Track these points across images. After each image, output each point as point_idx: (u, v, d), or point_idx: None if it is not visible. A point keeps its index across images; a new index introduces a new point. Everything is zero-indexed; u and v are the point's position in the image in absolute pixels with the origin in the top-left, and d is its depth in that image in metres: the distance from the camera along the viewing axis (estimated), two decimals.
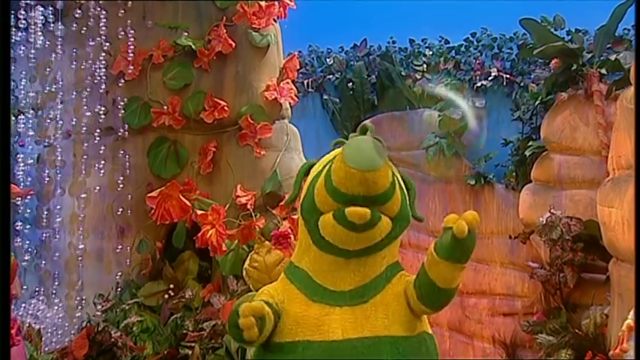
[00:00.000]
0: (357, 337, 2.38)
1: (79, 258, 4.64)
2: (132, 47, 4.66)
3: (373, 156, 2.31)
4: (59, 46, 4.58)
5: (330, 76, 5.76)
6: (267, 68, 4.92)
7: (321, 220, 2.40)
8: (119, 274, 4.69)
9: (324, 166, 2.43)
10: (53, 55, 4.59)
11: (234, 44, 4.72)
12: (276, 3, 4.90)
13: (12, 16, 4.15)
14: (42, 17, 4.39)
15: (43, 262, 4.69)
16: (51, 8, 4.50)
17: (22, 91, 4.51)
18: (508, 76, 5.35)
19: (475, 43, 5.52)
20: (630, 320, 2.93)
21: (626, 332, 2.92)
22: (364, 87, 5.57)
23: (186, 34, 4.76)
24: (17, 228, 4.07)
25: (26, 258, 4.29)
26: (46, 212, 4.67)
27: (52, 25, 4.50)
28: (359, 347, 2.37)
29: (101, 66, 4.64)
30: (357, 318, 2.42)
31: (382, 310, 2.44)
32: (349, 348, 2.38)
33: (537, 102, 4.98)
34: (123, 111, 4.70)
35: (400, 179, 2.49)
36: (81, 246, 4.65)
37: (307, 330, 2.43)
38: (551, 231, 4.35)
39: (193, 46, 4.71)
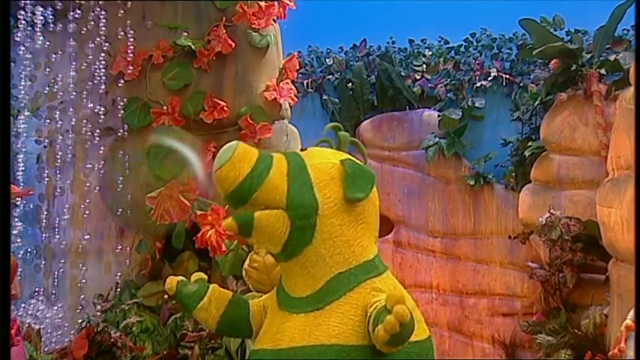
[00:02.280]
0: (302, 345, 2.34)
1: (79, 258, 4.64)
2: (131, 47, 4.66)
3: (220, 156, 2.38)
4: (59, 47, 4.58)
5: (330, 77, 5.76)
6: (267, 68, 4.92)
7: None
8: (119, 274, 4.69)
9: None
10: (53, 56, 4.59)
11: (233, 44, 4.72)
12: (276, 3, 4.90)
13: (12, 16, 4.15)
14: (42, 17, 4.39)
15: (43, 262, 4.69)
16: (51, 8, 4.50)
17: (22, 91, 4.51)
18: (507, 76, 5.36)
19: (474, 43, 5.53)
20: (629, 320, 2.93)
21: (624, 332, 2.92)
22: (364, 87, 5.57)
23: (185, 34, 4.76)
24: (17, 228, 4.06)
25: (26, 258, 4.28)
26: (45, 212, 4.67)
27: (51, 25, 4.50)
28: (301, 355, 2.34)
29: (101, 66, 4.63)
30: (307, 326, 2.38)
31: (336, 317, 2.36)
32: (293, 356, 2.36)
33: (537, 102, 4.98)
34: (122, 111, 4.69)
35: (303, 166, 2.47)
36: (80, 246, 4.65)
37: (267, 338, 2.47)
38: (551, 231, 4.35)
39: (193, 47, 4.70)
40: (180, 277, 2.76)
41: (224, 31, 4.71)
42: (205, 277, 2.77)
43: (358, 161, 2.59)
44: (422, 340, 2.46)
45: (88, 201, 4.68)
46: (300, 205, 2.39)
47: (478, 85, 5.41)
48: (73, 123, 4.76)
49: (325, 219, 2.41)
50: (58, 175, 4.67)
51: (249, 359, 2.58)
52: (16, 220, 4.08)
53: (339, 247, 2.43)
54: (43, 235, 4.64)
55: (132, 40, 4.66)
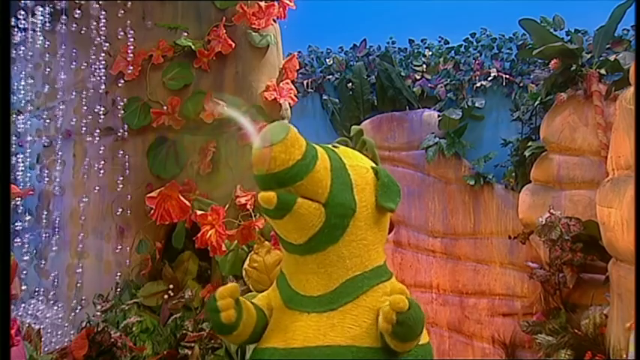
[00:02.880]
0: (317, 345, 2.34)
1: (79, 258, 4.65)
2: (131, 48, 4.67)
3: (270, 133, 2.26)
4: (59, 47, 4.59)
5: (330, 77, 5.76)
6: (267, 69, 4.92)
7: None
8: (119, 274, 4.69)
9: None
10: (53, 56, 4.60)
11: (233, 45, 4.73)
12: (276, 3, 4.90)
13: (12, 16, 4.15)
14: (42, 18, 4.40)
15: (43, 262, 4.70)
16: (51, 9, 4.50)
17: (22, 91, 4.51)
18: (507, 76, 5.36)
19: (474, 43, 5.53)
20: None
21: None
22: (364, 87, 5.57)
23: (185, 34, 4.77)
24: (17, 228, 4.07)
25: (26, 258, 4.28)
26: (45, 212, 4.67)
27: (51, 25, 4.50)
28: (317, 355, 2.33)
29: (101, 66, 4.64)
30: (321, 326, 2.38)
31: (350, 319, 2.38)
32: (307, 356, 2.35)
33: (537, 102, 4.98)
34: (122, 111, 4.70)
35: (346, 167, 2.44)
36: (80, 246, 4.65)
37: (277, 337, 2.44)
38: (551, 231, 4.35)
39: (193, 47, 4.71)
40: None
41: (224, 31, 4.72)
42: (238, 292, 2.49)
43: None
44: (426, 344, 2.51)
45: (87, 201, 4.68)
46: (341, 205, 2.39)
47: (478, 85, 5.41)
48: (73, 123, 4.77)
49: (357, 222, 2.43)
50: (58, 176, 4.68)
51: (256, 358, 2.50)
52: (16, 220, 4.07)
53: (360, 249, 2.46)
54: (43, 235, 4.64)
55: (132, 40, 4.67)
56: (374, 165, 2.59)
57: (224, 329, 2.43)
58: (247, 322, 2.45)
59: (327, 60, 5.79)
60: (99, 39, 4.61)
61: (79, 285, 4.60)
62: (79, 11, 4.57)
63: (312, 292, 2.45)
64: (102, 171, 4.67)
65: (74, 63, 4.73)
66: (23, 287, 4.28)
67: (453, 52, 5.58)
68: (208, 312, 2.41)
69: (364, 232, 2.45)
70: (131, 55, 4.67)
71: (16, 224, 4.09)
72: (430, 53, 5.61)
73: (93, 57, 4.65)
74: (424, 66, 5.59)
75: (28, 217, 4.25)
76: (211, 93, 4.71)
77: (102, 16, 4.60)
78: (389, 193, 2.49)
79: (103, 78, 4.66)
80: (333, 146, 2.61)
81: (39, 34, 4.40)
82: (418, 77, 5.56)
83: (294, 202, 2.29)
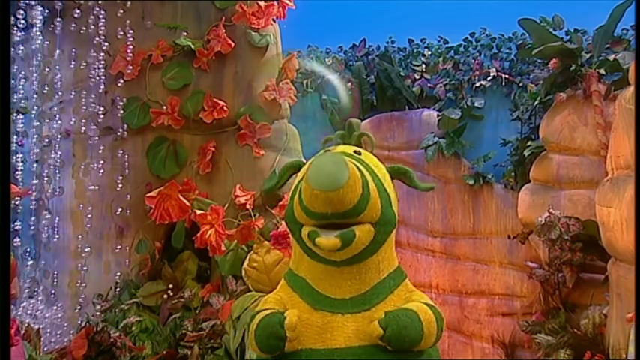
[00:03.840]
0: (360, 344, 2.39)
1: (78, 258, 4.65)
2: (131, 47, 4.67)
3: (335, 175, 2.24)
4: (58, 46, 4.59)
5: (330, 72, 5.76)
6: (266, 68, 4.92)
7: (303, 233, 2.41)
8: (118, 274, 4.70)
9: (303, 177, 2.40)
10: (52, 55, 4.60)
11: (233, 44, 4.73)
12: (275, 3, 4.90)
13: (12, 16, 4.15)
14: (41, 17, 4.40)
15: (42, 261, 4.70)
16: (50, 8, 4.50)
17: (22, 91, 4.51)
18: (507, 76, 5.35)
19: (474, 43, 5.53)
20: None
21: None
22: (363, 87, 5.57)
23: (185, 34, 4.77)
24: (16, 228, 4.07)
25: (25, 258, 4.29)
26: (45, 212, 4.67)
27: (51, 25, 4.50)
28: (361, 355, 2.38)
29: (100, 66, 4.65)
30: (359, 326, 2.42)
31: None
32: (351, 355, 2.39)
33: (536, 102, 4.98)
34: (122, 111, 4.71)
35: (381, 179, 2.49)
36: (80, 246, 4.65)
37: (310, 338, 2.44)
38: (550, 231, 4.35)
39: (192, 47, 4.71)
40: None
41: (223, 30, 4.72)
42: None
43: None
44: (437, 347, 2.58)
45: (87, 201, 4.69)
46: (388, 222, 2.46)
47: (477, 84, 5.40)
48: (72, 123, 4.77)
49: (394, 233, 2.54)
50: (58, 175, 4.68)
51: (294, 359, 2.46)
52: (15, 219, 4.07)
53: (389, 253, 2.56)
54: (42, 235, 4.64)
55: (131, 40, 4.67)
56: (387, 167, 2.67)
57: (270, 354, 2.43)
58: None
59: (327, 60, 5.79)
60: (98, 39, 4.62)
61: (78, 285, 4.60)
62: (78, 11, 4.58)
63: (344, 295, 2.48)
64: (101, 171, 4.67)
65: (74, 63, 4.74)
66: (23, 287, 4.29)
67: (452, 51, 5.58)
68: (271, 338, 2.37)
69: (392, 237, 2.55)
70: (130, 54, 4.67)
71: (16, 224, 4.09)
72: (429, 53, 5.61)
73: (92, 57, 4.65)
74: (423, 66, 5.59)
75: (27, 217, 4.25)
76: (210, 93, 4.72)
77: (101, 16, 4.60)
78: (416, 180, 2.71)
79: (103, 78, 4.66)
80: (356, 152, 2.60)
81: (38, 33, 4.40)
82: (417, 77, 5.56)
83: (355, 237, 2.33)
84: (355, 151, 2.60)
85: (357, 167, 2.36)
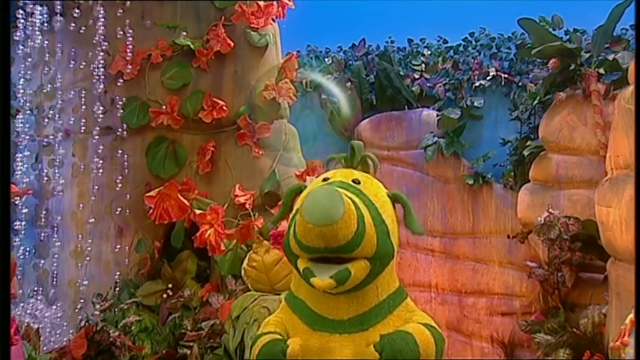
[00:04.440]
0: None
1: (78, 257, 4.65)
2: (130, 47, 4.67)
3: (329, 209, 2.22)
4: (58, 46, 4.59)
5: (329, 76, 5.76)
6: (266, 68, 4.92)
7: (299, 267, 2.40)
8: (118, 273, 4.69)
9: (299, 208, 2.37)
10: (52, 55, 4.60)
11: (232, 44, 4.73)
12: (275, 3, 4.90)
13: (11, 15, 4.15)
14: (40, 17, 4.40)
15: (42, 261, 4.70)
16: (49, 8, 4.50)
17: (21, 91, 4.51)
18: (506, 75, 5.36)
19: (473, 42, 5.53)
20: (633, 315, 2.92)
21: (628, 326, 2.91)
22: (363, 87, 5.57)
23: (184, 33, 4.76)
24: (16, 227, 4.07)
25: (25, 257, 4.29)
26: (44, 212, 4.67)
27: (50, 24, 4.50)
28: None
29: (100, 65, 4.64)
30: (357, 345, 2.43)
31: None
32: None
33: (535, 102, 4.98)
34: (121, 110, 4.70)
35: (379, 210, 2.44)
36: (79, 245, 4.65)
37: (309, 357, 2.45)
38: (550, 230, 4.35)
39: (192, 46, 4.71)
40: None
41: (223, 30, 4.72)
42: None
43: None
44: None
45: (86, 200, 4.68)
46: (385, 255, 2.44)
47: (477, 84, 5.40)
48: (72, 122, 4.77)
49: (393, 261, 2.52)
50: (57, 175, 4.68)
51: None
52: (15, 219, 4.08)
53: (387, 277, 2.53)
54: (42, 234, 4.64)
55: (131, 39, 4.67)
56: (389, 192, 2.60)
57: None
58: None
59: (326, 59, 5.79)
60: (98, 38, 4.61)
61: (78, 284, 4.60)
62: (78, 10, 4.57)
63: (342, 316, 2.48)
64: (101, 170, 4.67)
65: (73, 62, 4.74)
66: (27, 287, 4.29)
67: (451, 51, 5.58)
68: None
69: (393, 263, 2.54)
70: (130, 54, 4.67)
71: (15, 223, 4.09)
72: (429, 53, 5.62)
73: (92, 56, 4.65)
74: (423, 65, 5.59)
75: (26, 217, 4.25)
76: (210, 92, 4.72)
77: (101, 16, 4.59)
78: (413, 217, 2.58)
79: (102, 77, 4.65)
80: (354, 181, 2.55)
81: (38, 33, 4.40)
82: (417, 77, 5.56)
83: (350, 275, 2.32)
84: (354, 180, 2.54)
85: (354, 201, 2.34)
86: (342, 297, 2.46)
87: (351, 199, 2.33)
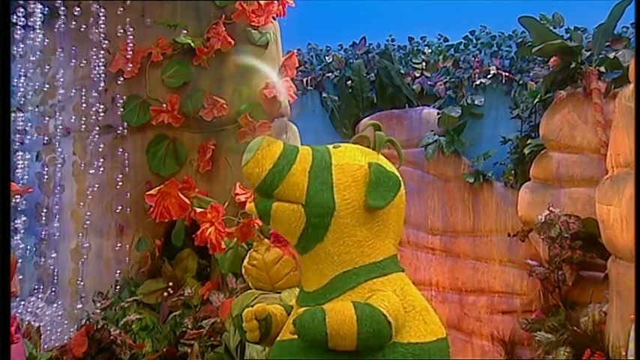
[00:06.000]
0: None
1: (78, 256, 4.65)
2: (131, 45, 4.66)
3: (248, 152, 2.50)
4: (58, 44, 4.58)
5: (329, 74, 5.76)
6: (267, 66, 4.92)
7: None
8: (118, 272, 4.70)
9: None
10: (52, 53, 4.59)
11: (233, 42, 4.72)
12: (276, 1, 4.90)
13: (11, 14, 4.15)
14: (41, 15, 4.39)
15: (42, 259, 4.70)
16: (50, 6, 4.50)
17: (22, 89, 4.51)
18: (507, 74, 5.36)
19: (474, 41, 5.53)
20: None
21: None
22: (363, 85, 5.57)
23: (185, 32, 4.76)
24: (16, 225, 4.07)
25: (25, 255, 4.29)
26: (45, 210, 4.67)
27: (51, 23, 4.50)
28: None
29: (100, 64, 4.64)
30: None
31: None
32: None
33: (536, 100, 4.98)
34: (122, 109, 4.70)
35: (326, 168, 2.50)
36: (80, 244, 4.65)
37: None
38: (550, 229, 4.35)
39: (192, 44, 4.71)
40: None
41: (223, 28, 4.72)
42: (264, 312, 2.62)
43: (388, 164, 2.62)
44: (425, 343, 2.47)
45: (87, 199, 4.69)
46: (318, 204, 2.45)
47: (477, 82, 5.41)
48: (72, 120, 4.77)
49: (340, 219, 2.46)
50: (58, 173, 4.68)
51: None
52: (15, 217, 4.07)
53: (349, 246, 2.49)
54: (42, 232, 4.64)
55: (131, 37, 4.66)
56: (373, 162, 2.56)
57: (255, 342, 2.67)
58: (278, 330, 2.59)
59: (327, 57, 5.79)
60: (98, 37, 4.61)
61: (78, 282, 4.60)
62: (78, 9, 4.57)
63: (310, 287, 2.54)
64: (101, 168, 4.67)
65: (73, 61, 4.73)
66: (28, 286, 4.29)
67: (452, 49, 5.58)
68: (238, 329, 2.66)
69: (352, 230, 2.48)
70: (130, 52, 4.67)
71: (16, 222, 4.09)
72: (430, 51, 5.62)
73: (92, 55, 4.64)
74: (424, 64, 5.59)
75: (27, 215, 4.25)
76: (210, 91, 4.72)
77: (101, 14, 4.60)
78: (379, 190, 2.49)
79: (103, 76, 4.65)
80: (335, 146, 2.64)
81: (38, 31, 4.39)
82: (418, 75, 5.56)
83: (270, 208, 2.47)
84: (335, 146, 2.65)
85: (287, 149, 2.52)
86: (307, 262, 2.55)
87: (293, 151, 2.53)
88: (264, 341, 2.62)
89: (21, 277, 4.25)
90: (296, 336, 2.32)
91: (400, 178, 2.59)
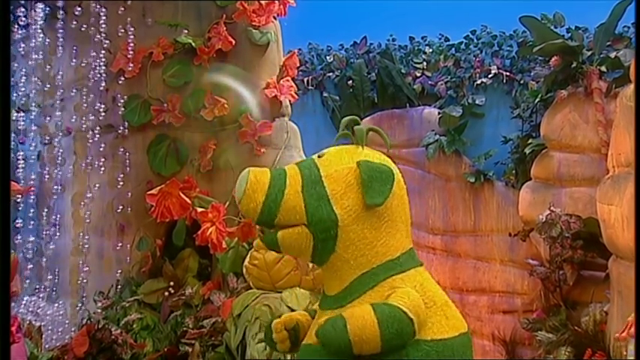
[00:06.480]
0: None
1: (79, 255, 4.65)
2: (132, 45, 4.66)
3: (237, 191, 2.47)
4: (59, 44, 4.58)
5: (330, 74, 5.76)
6: (267, 66, 4.92)
7: None
8: (119, 271, 4.70)
9: None
10: (53, 53, 4.59)
11: (234, 42, 4.72)
12: (276, 1, 4.90)
13: (12, 13, 4.15)
14: (42, 15, 4.40)
15: (44, 259, 4.70)
16: (51, 6, 4.50)
17: (22, 89, 4.51)
18: (508, 73, 5.36)
19: (475, 40, 5.53)
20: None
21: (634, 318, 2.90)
22: (364, 85, 5.57)
23: (186, 31, 4.76)
24: (17, 225, 4.07)
25: (27, 255, 4.29)
26: (46, 210, 4.67)
27: (51, 22, 4.50)
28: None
29: (101, 63, 4.64)
30: None
31: None
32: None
33: (537, 100, 4.98)
34: (123, 109, 4.70)
35: (318, 181, 2.48)
36: (81, 243, 4.65)
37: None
38: (551, 228, 4.35)
39: (193, 44, 4.71)
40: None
41: (224, 28, 4.72)
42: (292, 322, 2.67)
43: (376, 156, 2.60)
44: (448, 339, 2.51)
45: (88, 197, 4.69)
46: (320, 220, 2.44)
47: (478, 82, 5.40)
48: (73, 120, 4.77)
49: (346, 227, 2.45)
50: (59, 173, 4.68)
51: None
52: (17, 217, 4.08)
53: (362, 249, 2.48)
54: (44, 232, 4.64)
55: (132, 37, 4.66)
56: (360, 160, 2.53)
57: (286, 352, 2.73)
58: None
59: (328, 57, 5.79)
60: (99, 36, 4.61)
61: (79, 282, 4.60)
62: (79, 8, 4.57)
63: (330, 292, 2.54)
64: (102, 168, 4.67)
65: (74, 60, 4.73)
66: (25, 284, 4.29)
67: (453, 49, 5.58)
68: (266, 340, 2.69)
69: (360, 233, 2.47)
70: (131, 52, 4.67)
71: (17, 221, 4.09)
72: (430, 51, 5.61)
73: (93, 54, 4.64)
74: (424, 63, 5.59)
75: (28, 215, 4.26)
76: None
77: (102, 14, 4.59)
78: (374, 186, 2.48)
79: (104, 75, 4.65)
80: (319, 155, 2.62)
81: (39, 31, 4.40)
82: (418, 75, 5.56)
83: (277, 238, 2.46)
84: (319, 155, 2.63)
85: (275, 175, 2.50)
86: (325, 272, 2.55)
87: (281, 175, 2.51)
88: (294, 350, 2.63)
89: (22, 276, 4.25)
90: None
91: (391, 167, 2.60)
